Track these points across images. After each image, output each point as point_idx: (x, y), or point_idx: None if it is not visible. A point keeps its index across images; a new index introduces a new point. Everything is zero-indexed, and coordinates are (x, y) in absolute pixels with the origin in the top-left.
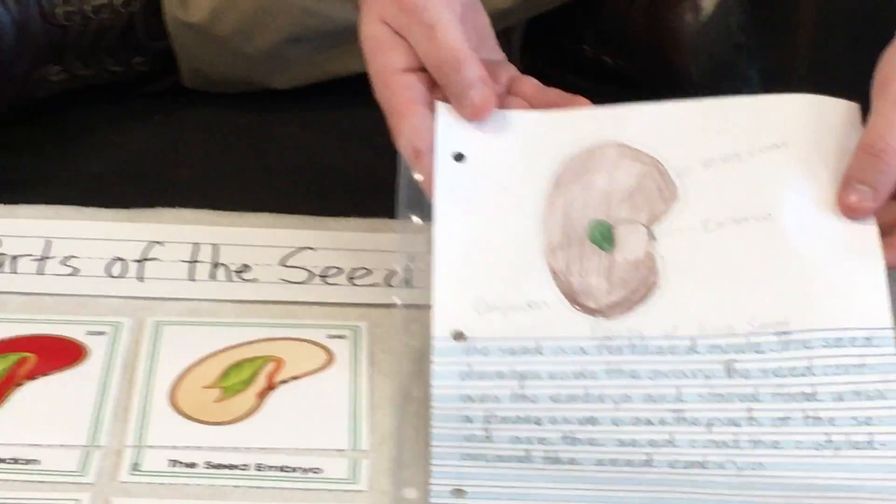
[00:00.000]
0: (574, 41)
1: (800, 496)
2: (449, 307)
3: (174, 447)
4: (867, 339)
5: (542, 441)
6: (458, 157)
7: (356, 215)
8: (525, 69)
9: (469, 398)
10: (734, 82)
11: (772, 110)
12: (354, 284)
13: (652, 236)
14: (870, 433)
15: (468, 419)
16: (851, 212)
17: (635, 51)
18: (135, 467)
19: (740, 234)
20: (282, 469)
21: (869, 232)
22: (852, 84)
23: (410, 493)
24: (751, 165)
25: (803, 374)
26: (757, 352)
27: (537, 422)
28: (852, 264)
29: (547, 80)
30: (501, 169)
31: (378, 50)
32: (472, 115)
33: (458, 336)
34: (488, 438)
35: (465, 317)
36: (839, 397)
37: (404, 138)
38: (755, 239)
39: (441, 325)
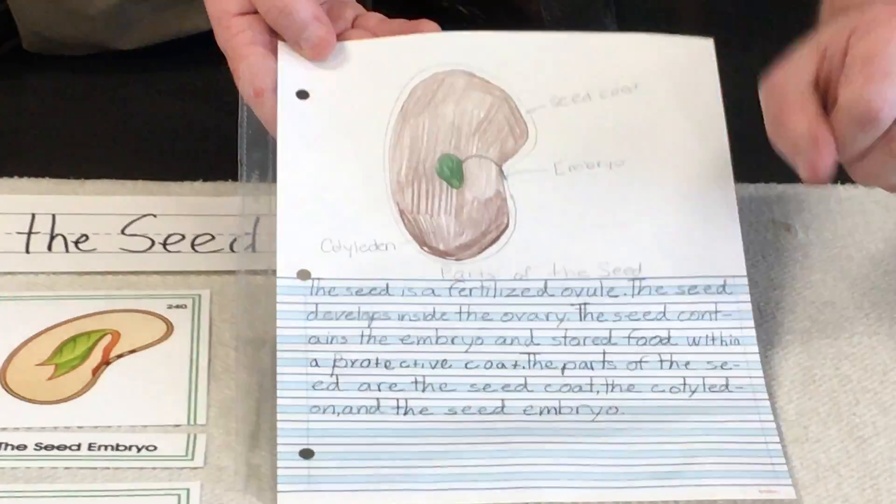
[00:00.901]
0: None
1: (655, 441)
2: (293, 246)
3: (3, 429)
4: (721, 286)
5: (392, 387)
6: (302, 95)
7: (202, 178)
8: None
9: (316, 339)
10: (587, 29)
11: (623, 51)
12: (197, 251)
13: (502, 175)
14: (725, 377)
15: (315, 362)
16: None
17: None
18: None
19: (593, 179)
20: (115, 448)
21: (724, 179)
22: (743, 31)
23: (257, 459)
24: (602, 108)
25: (657, 319)
26: (610, 295)
27: (387, 365)
28: (706, 212)
29: None
30: (346, 103)
31: None
32: (312, 54)
33: (304, 275)
34: (336, 385)
35: (310, 256)
36: (694, 342)
37: (244, 79)
38: (608, 185)
39: (285, 265)
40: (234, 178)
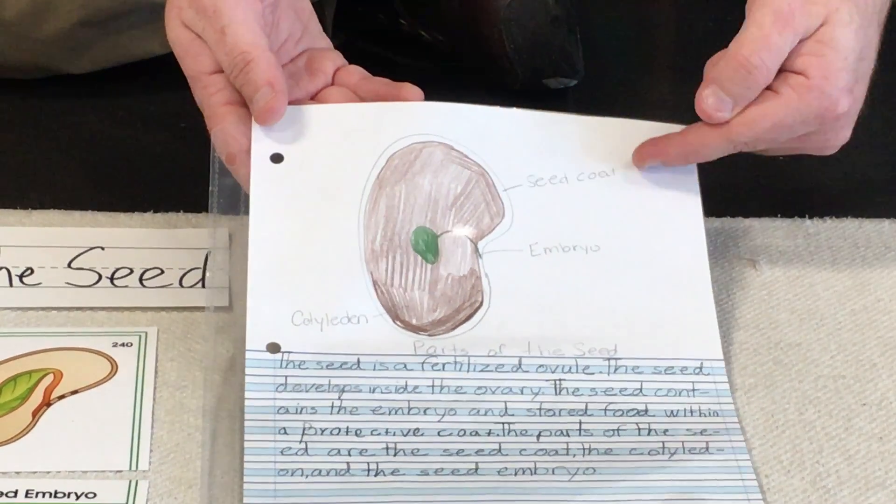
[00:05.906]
0: (390, 16)
1: (635, 499)
2: (264, 318)
3: None
4: (698, 368)
5: (362, 452)
6: (276, 159)
7: (153, 209)
8: (341, 44)
9: (285, 409)
10: (551, 56)
11: (601, 135)
12: (145, 286)
13: (477, 252)
14: (705, 441)
15: (284, 430)
16: (707, 116)
17: (450, 26)
18: None
19: (568, 263)
20: (53, 495)
21: (699, 263)
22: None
23: None
24: (578, 192)
25: (634, 394)
26: (586, 373)
27: (358, 433)
28: (682, 295)
29: (365, 56)
30: (321, 168)
31: (185, 54)
32: (259, 120)
33: (273, 348)
34: (305, 451)
35: (280, 328)
36: (672, 413)
37: (217, 145)
38: (583, 269)
39: (255, 337)
40: (186, 209)
